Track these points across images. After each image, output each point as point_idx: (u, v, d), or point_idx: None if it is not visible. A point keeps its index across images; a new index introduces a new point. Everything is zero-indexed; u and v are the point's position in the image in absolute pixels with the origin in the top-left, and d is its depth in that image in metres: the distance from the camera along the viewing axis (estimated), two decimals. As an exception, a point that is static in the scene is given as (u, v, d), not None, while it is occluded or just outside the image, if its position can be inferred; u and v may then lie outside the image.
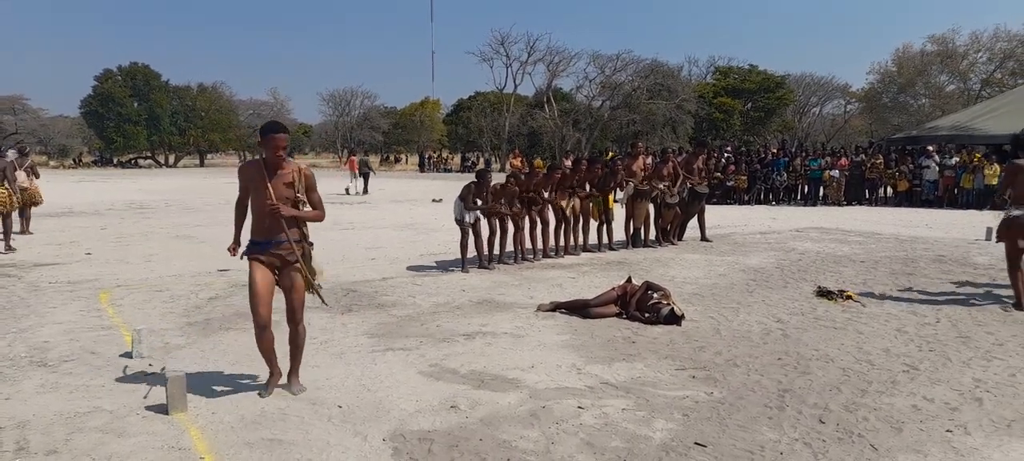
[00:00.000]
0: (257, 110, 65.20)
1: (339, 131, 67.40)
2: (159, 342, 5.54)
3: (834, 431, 3.81)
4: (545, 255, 9.96)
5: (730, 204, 20.51)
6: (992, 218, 13.88)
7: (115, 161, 58.28)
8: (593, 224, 10.78)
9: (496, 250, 9.35)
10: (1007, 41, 41.60)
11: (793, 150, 25.33)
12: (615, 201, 11.38)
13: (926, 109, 42.85)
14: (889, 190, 21.30)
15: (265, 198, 4.14)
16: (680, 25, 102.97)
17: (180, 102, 59.74)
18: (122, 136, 56.05)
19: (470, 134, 58.36)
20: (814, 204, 20.79)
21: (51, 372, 4.81)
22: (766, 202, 21.37)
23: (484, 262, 9.09)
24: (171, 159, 61.56)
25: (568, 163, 11.73)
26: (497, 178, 9.72)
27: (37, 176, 12.78)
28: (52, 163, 54.54)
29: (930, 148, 21.21)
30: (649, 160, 11.80)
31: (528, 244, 9.82)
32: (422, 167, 52.81)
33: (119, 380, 4.66)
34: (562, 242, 10.26)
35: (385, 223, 14.82)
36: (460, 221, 8.94)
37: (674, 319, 6.09)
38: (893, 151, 22.94)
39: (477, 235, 9.02)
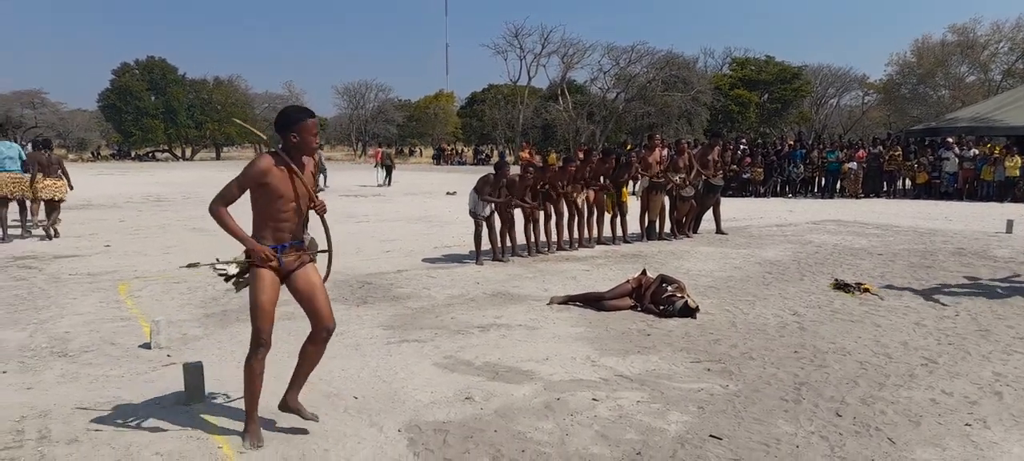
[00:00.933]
0: (272, 103, 65.60)
1: (354, 124, 67.65)
2: (177, 333, 5.59)
3: (851, 424, 3.78)
4: (559, 247, 9.95)
5: (746, 196, 20.38)
6: (1014, 211, 13.70)
7: (133, 154, 58.92)
8: (607, 217, 10.75)
9: (509, 242, 9.36)
10: (1030, 31, 40.94)
11: (810, 142, 25.12)
12: (630, 193, 11.34)
13: (946, 100, 42.31)
14: (908, 182, 21.07)
15: (295, 196, 3.55)
16: (696, 16, 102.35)
17: (196, 96, 60.27)
18: (140, 129, 56.64)
19: (484, 127, 58.40)
20: (831, 196, 20.61)
21: (71, 362, 4.88)
22: (782, 194, 21.21)
23: (498, 254, 9.09)
24: (188, 152, 62.12)
25: (581, 155, 11.67)
26: (513, 171, 9.70)
27: (62, 174, 11.83)
28: (71, 156, 55.14)
29: (950, 140, 20.94)
30: (665, 152, 11.74)
31: (542, 236, 9.82)
32: (438, 160, 52.91)
33: (138, 370, 4.71)
34: (576, 234, 10.24)
35: (400, 216, 14.86)
36: (474, 213, 8.95)
37: (689, 312, 6.06)
38: (912, 143, 22.69)
39: (491, 227, 9.03)
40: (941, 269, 8.39)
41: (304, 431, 3.71)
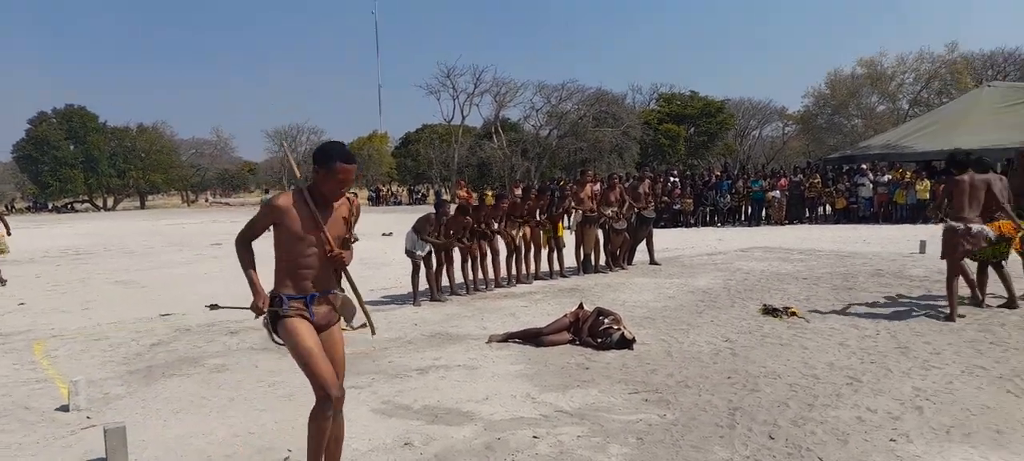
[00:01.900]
0: (199, 149, 64.01)
1: (285, 167, 66.44)
2: (98, 393, 5.32)
3: (784, 447, 3.88)
4: (497, 285, 9.96)
5: (677, 227, 20.89)
6: (925, 231, 14.47)
7: (50, 206, 56.24)
8: (543, 252, 10.84)
9: (447, 282, 9.32)
10: (931, 62, 43.77)
11: (736, 172, 26.02)
12: (565, 228, 11.48)
13: (859, 129, 44.54)
14: (828, 208, 22.03)
15: (316, 243, 3.24)
16: (623, 54, 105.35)
17: (118, 143, 58.13)
18: (58, 180, 54.15)
19: (419, 167, 58.25)
20: (757, 224, 21.33)
21: (-20, 430, 4.57)
22: (711, 224, 21.84)
23: (436, 294, 9.04)
24: (110, 202, 59.71)
25: (518, 192, 11.80)
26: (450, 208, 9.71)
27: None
28: (-18, 210, 52.25)
29: (864, 166, 22.07)
30: (597, 187, 11.96)
31: (480, 274, 9.81)
32: (375, 201, 52.42)
33: (55, 435, 4.45)
34: (514, 271, 10.28)
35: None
36: (411, 253, 8.89)
37: (626, 343, 6.14)
38: (830, 170, 23.79)
39: (428, 267, 8.98)
40: (862, 290, 8.76)
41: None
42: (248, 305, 3.37)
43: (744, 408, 4.53)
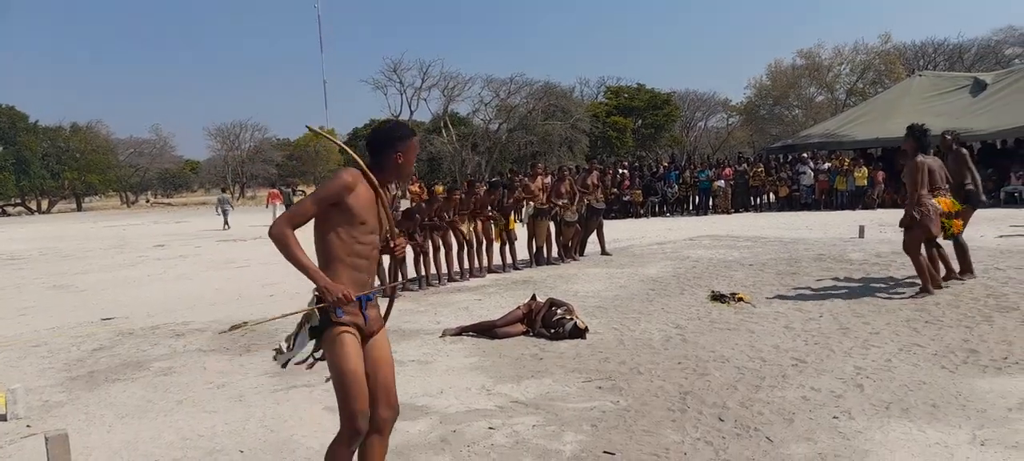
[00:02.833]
0: (138, 148, 61.96)
1: (229, 166, 64.95)
2: (37, 401, 5.13)
3: (732, 428, 3.99)
4: (450, 279, 9.95)
5: (627, 218, 21.17)
6: (864, 217, 14.98)
7: (-22, 211, 53.77)
8: (495, 245, 10.86)
9: (400, 277, 9.25)
10: (866, 54, 45.34)
11: (683, 163, 26.49)
12: (517, 221, 11.53)
13: (800, 119, 45.85)
14: (771, 196, 22.63)
15: (375, 231, 2.85)
16: (570, 47, 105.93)
17: (51, 144, 55.87)
18: (-14, 183, 51.78)
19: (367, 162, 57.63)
20: (705, 213, 21.77)
21: (-90, 445, 4.36)
22: (660, 214, 22.20)
23: (388, 291, 8.96)
24: (44, 205, 57.37)
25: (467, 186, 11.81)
26: (403, 204, 9.65)
27: None
28: (-97, 216, 49.69)
29: (805, 155, 22.74)
30: (548, 180, 12.05)
31: (433, 269, 9.78)
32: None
33: (-9, 446, 4.28)
34: (466, 265, 10.28)
35: (283, 258, 14.33)
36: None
37: (578, 333, 6.21)
38: (772, 159, 24.43)
39: (380, 263, 8.90)
40: (805, 274, 9.03)
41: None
42: (314, 314, 2.80)
43: (694, 392, 4.63)
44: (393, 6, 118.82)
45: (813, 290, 7.98)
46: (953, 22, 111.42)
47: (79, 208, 56.99)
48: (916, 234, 7.19)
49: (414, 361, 5.75)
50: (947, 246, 7.70)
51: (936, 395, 4.34)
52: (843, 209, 20.15)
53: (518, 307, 6.68)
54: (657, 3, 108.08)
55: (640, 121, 49.25)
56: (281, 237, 2.70)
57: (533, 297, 6.86)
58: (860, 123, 24.74)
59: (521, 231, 11.46)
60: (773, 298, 7.64)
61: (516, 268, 10.93)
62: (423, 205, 9.85)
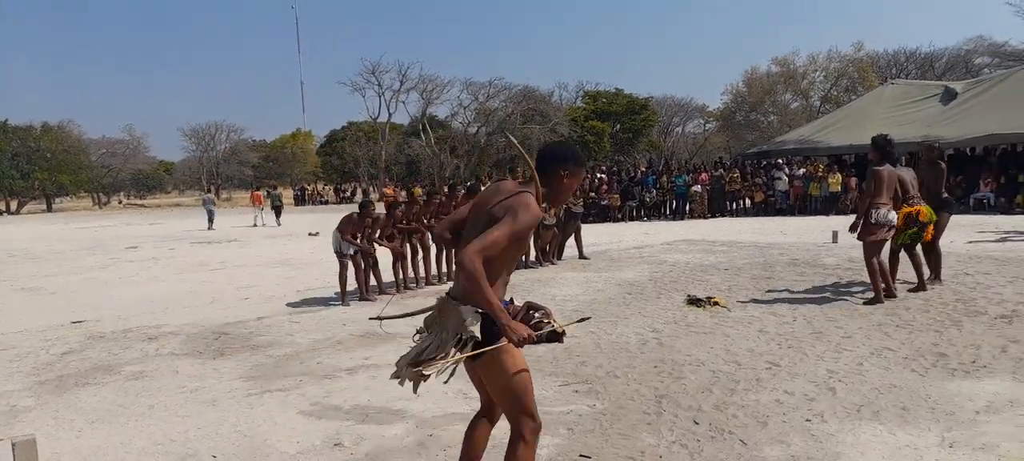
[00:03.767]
0: (111, 149, 61.03)
1: (204, 167, 64.22)
2: (4, 406, 5.03)
3: (707, 430, 4.02)
4: (428, 283, 9.92)
5: (605, 222, 21.26)
6: (837, 222, 15.20)
7: (-55, 211, 52.60)
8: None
9: (376, 281, 9.21)
10: (840, 61, 45.99)
11: (660, 168, 26.69)
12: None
13: (775, 125, 46.38)
14: (747, 201, 22.88)
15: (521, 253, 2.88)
16: (548, 52, 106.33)
17: (21, 143, 54.80)
18: (-47, 183, 50.68)
19: (345, 165, 57.34)
20: (681, 218, 21.95)
21: None
22: (638, 218, 22.33)
23: (365, 293, 8.92)
24: (13, 206, 56.26)
25: (445, 190, 11.81)
26: (378, 208, 9.59)
27: None
28: None
29: (780, 161, 23.05)
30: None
31: (410, 273, 9.74)
32: (300, 201, 51.23)
33: (-44, 452, 4.18)
34: (445, 269, 10.25)
35: (258, 260, 14.22)
36: (339, 252, 8.75)
37: (556, 337, 6.20)
38: (748, 165, 24.70)
39: (356, 267, 8.85)
40: (779, 279, 9.13)
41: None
42: (507, 336, 2.72)
43: (670, 395, 4.66)
44: (371, 8, 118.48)
45: (787, 294, 8.08)
46: (924, 32, 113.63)
47: (49, 209, 55.98)
48: (871, 242, 7.30)
49: (391, 365, 5.71)
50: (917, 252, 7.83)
51: (906, 398, 4.42)
52: (817, 215, 20.42)
53: (495, 311, 6.67)
54: (635, 10, 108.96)
55: (618, 126, 49.52)
56: (475, 274, 2.58)
57: (511, 300, 6.86)
58: (834, 130, 25.12)
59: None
60: (748, 302, 7.72)
61: (494, 272, 10.91)
62: (401, 206, 9.80)
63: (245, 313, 8.38)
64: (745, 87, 49.32)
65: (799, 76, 47.08)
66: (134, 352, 6.52)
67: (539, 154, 2.92)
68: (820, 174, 21.50)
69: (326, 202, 50.61)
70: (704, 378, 5.01)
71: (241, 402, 4.91)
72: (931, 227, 7.68)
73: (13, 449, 3.69)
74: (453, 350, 2.74)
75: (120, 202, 64.87)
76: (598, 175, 24.03)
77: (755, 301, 7.78)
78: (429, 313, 3.03)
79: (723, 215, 21.88)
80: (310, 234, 20.29)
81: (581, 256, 12.05)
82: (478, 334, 2.71)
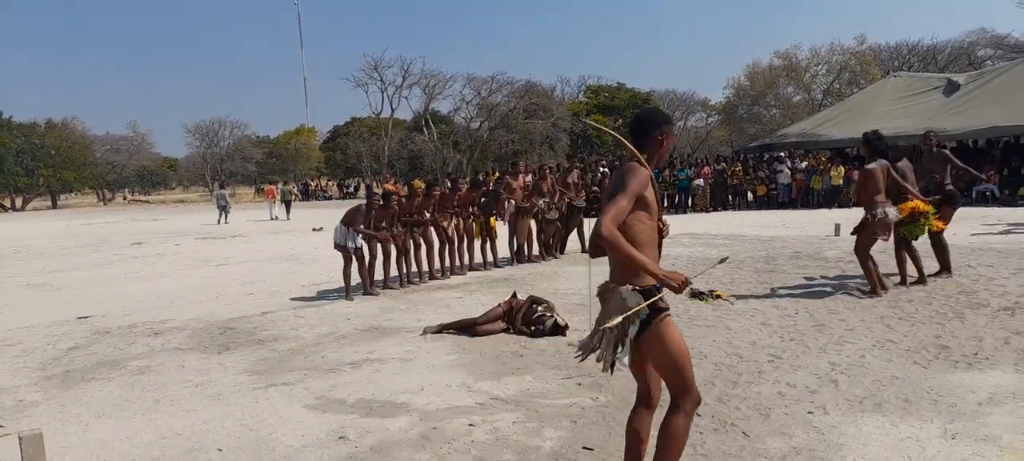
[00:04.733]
0: (115, 145, 61.14)
1: (208, 163, 64.26)
2: (11, 400, 5.07)
3: (710, 423, 4.04)
4: (431, 277, 9.94)
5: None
6: (840, 215, 15.19)
7: (-50, 208, 52.75)
8: (477, 243, 10.87)
9: (380, 275, 9.24)
10: (842, 54, 45.79)
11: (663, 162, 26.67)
12: (498, 219, 11.55)
13: (777, 119, 46.25)
14: (749, 195, 22.86)
15: (659, 218, 3.00)
16: (550, 46, 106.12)
17: (26, 140, 54.91)
18: (-42, 180, 50.81)
19: (348, 160, 57.37)
20: (683, 211, 21.95)
21: None
22: (641, 212, 22.33)
23: (369, 288, 8.95)
24: (18, 202, 56.40)
25: (448, 184, 11.84)
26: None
27: None
28: None
29: (782, 154, 23.00)
30: (529, 178, 12.09)
31: (413, 267, 9.77)
32: (305, 196, 51.28)
33: (-36, 446, 4.22)
34: (448, 263, 10.28)
35: (263, 256, 14.25)
36: (342, 247, 8.77)
37: (559, 330, 6.24)
38: (750, 159, 24.68)
39: (360, 261, 8.88)
40: (781, 272, 9.14)
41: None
42: (668, 286, 2.74)
43: (673, 388, 4.67)
44: (373, 4, 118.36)
45: (789, 287, 8.09)
46: (927, 24, 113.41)
47: (54, 205, 56.15)
48: (865, 238, 7.33)
49: (395, 358, 5.75)
50: (922, 245, 7.83)
51: (908, 390, 4.43)
52: (819, 208, 20.41)
53: (499, 305, 6.69)
54: (638, 4, 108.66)
55: (620, 120, 49.47)
56: (613, 237, 2.68)
57: (514, 295, 6.89)
58: (836, 123, 25.06)
59: (502, 229, 11.48)
60: (750, 295, 7.73)
61: (497, 266, 10.95)
62: (403, 199, 9.82)
63: (250, 308, 8.41)
64: (747, 81, 49.17)
65: (801, 69, 46.91)
66: (140, 347, 6.56)
67: (633, 126, 3.07)
68: (822, 167, 21.47)
69: (330, 197, 50.66)
70: (707, 371, 5.03)
71: (246, 396, 4.94)
72: (939, 220, 7.68)
73: (20, 443, 3.72)
74: (624, 327, 2.85)
75: (124, 198, 65.03)
76: (600, 169, 23.99)
77: (757, 294, 7.79)
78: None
79: (725, 209, 21.88)
80: (314, 229, 20.33)
81: (584, 250, 12.06)
82: (646, 308, 2.81)
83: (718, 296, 7.57)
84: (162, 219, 31.23)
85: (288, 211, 28.87)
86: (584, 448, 3.75)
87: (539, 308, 6.45)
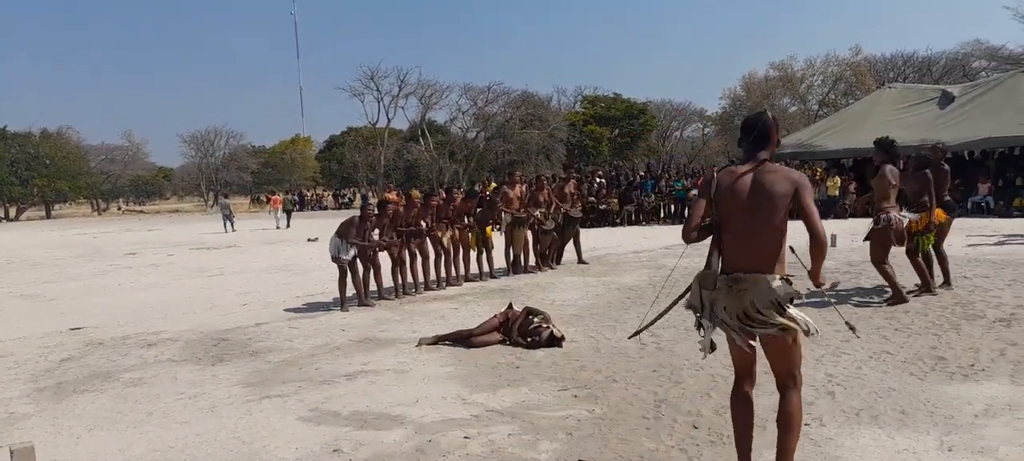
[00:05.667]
0: (110, 155, 61.04)
1: (203, 173, 64.18)
2: (2, 412, 5.03)
3: (706, 435, 4.02)
4: (427, 288, 9.91)
5: (604, 226, 21.25)
6: (836, 226, 15.21)
7: (-56, 218, 52.54)
8: (473, 254, 10.85)
9: (375, 286, 9.21)
10: (837, 65, 46.06)
11: (659, 172, 26.71)
12: (493, 230, 11.54)
13: (773, 129, 46.36)
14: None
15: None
16: (546, 57, 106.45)
17: (20, 150, 54.78)
18: (-47, 190, 50.64)
19: (344, 170, 57.36)
20: (681, 222, 21.93)
21: None
22: (637, 223, 22.33)
23: (364, 299, 8.91)
24: (12, 212, 56.23)
25: (443, 193, 11.83)
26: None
27: None
28: None
29: (779, 165, 23.01)
30: (525, 188, 12.09)
31: (409, 278, 9.74)
32: (300, 206, 51.18)
33: (-46, 460, 4.18)
34: (443, 273, 10.25)
35: (257, 266, 14.21)
36: (337, 258, 8.75)
37: (555, 341, 6.22)
38: (747, 169, 24.68)
39: (355, 272, 8.85)
40: (778, 283, 9.12)
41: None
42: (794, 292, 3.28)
43: (669, 400, 4.66)
44: (370, 15, 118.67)
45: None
46: (922, 36, 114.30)
47: (49, 215, 55.98)
48: (878, 245, 7.33)
49: (390, 370, 5.72)
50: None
51: (905, 402, 4.42)
52: (816, 218, 20.41)
53: (495, 316, 6.67)
54: (634, 15, 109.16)
55: (616, 130, 49.57)
56: (824, 236, 3.24)
57: (510, 306, 6.87)
58: (832, 134, 25.11)
59: (498, 239, 11.46)
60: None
61: (493, 276, 10.93)
62: (400, 209, 9.80)
63: (244, 319, 8.37)
64: (743, 91, 49.38)
65: (797, 80, 47.15)
66: (133, 358, 6.52)
67: (759, 131, 3.34)
68: (818, 178, 21.51)
69: (325, 207, 50.58)
70: (703, 382, 5.01)
71: (240, 408, 4.90)
72: (931, 233, 7.70)
73: (11, 457, 3.69)
74: (776, 314, 3.17)
75: (119, 208, 64.88)
76: (597, 179, 24.03)
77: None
78: (689, 294, 3.57)
79: (722, 219, 21.88)
80: (309, 239, 20.29)
81: (580, 260, 12.05)
82: (801, 293, 3.25)
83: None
84: (157, 229, 31.14)
85: (289, 220, 29.88)
86: (580, 460, 3.73)
87: (535, 319, 6.43)
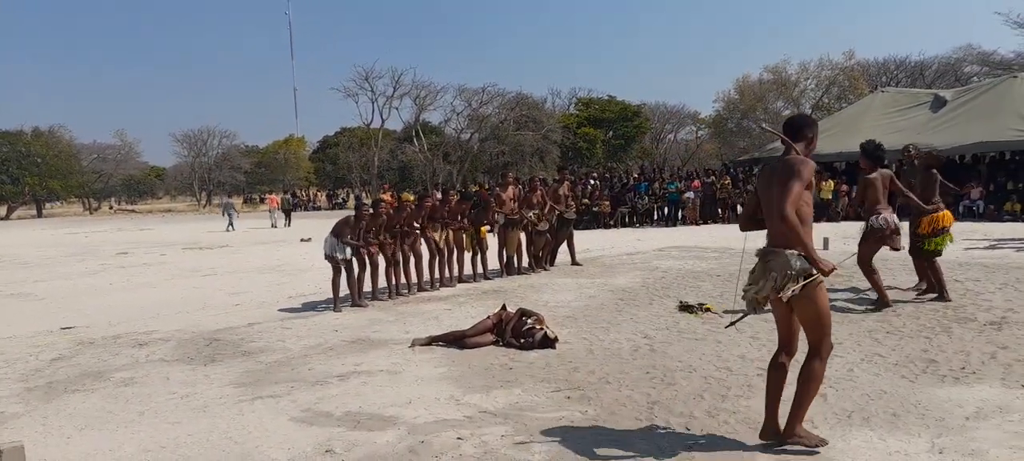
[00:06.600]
0: (102, 154, 60.71)
1: (196, 173, 63.96)
2: (-9, 412, 4.99)
3: (699, 435, 4.03)
4: (420, 288, 9.90)
5: (597, 228, 21.29)
6: (828, 229, 15.27)
7: (-66, 216, 52.15)
8: (466, 255, 10.84)
9: (369, 286, 9.19)
10: (831, 69, 46.25)
11: (652, 175, 26.78)
12: (487, 231, 11.53)
13: (767, 133, 46.56)
14: (739, 208, 22.93)
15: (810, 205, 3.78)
16: (541, 58, 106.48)
17: (11, 148, 54.45)
18: (-58, 188, 50.28)
19: (338, 171, 57.26)
20: (674, 224, 22.00)
21: None
22: (630, 225, 22.37)
23: (357, 299, 8.90)
24: (3, 211, 55.89)
25: (438, 195, 11.82)
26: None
27: None
28: None
29: (772, 168, 23.10)
30: (518, 189, 12.09)
31: (403, 278, 9.72)
32: (293, 206, 51.01)
33: (-57, 459, 4.15)
34: (437, 274, 10.24)
35: (250, 266, 14.16)
36: (331, 257, 8.73)
37: (548, 343, 6.22)
38: (740, 172, 24.79)
39: (349, 272, 8.83)
40: (771, 286, 9.14)
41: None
42: (819, 269, 3.57)
43: (662, 402, 4.67)
44: (365, 15, 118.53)
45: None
46: (914, 40, 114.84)
47: (40, 214, 55.63)
48: (866, 249, 7.36)
49: (383, 371, 5.71)
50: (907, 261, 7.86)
51: (896, 404, 4.44)
52: (808, 221, 20.48)
53: (488, 317, 6.67)
54: (628, 17, 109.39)
55: (610, 132, 49.66)
56: (791, 221, 3.50)
57: (503, 307, 6.87)
58: (824, 137, 25.14)
59: (492, 241, 11.46)
60: (740, 309, 7.72)
61: (487, 278, 10.92)
62: (392, 211, 9.78)
63: (236, 319, 8.34)
64: (737, 94, 49.52)
65: (791, 84, 47.31)
66: (124, 358, 6.49)
67: (789, 127, 3.87)
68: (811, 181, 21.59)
69: (319, 208, 50.46)
70: (696, 384, 5.02)
71: (232, 408, 4.88)
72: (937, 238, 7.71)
73: (1, 456, 3.66)
74: (787, 284, 3.58)
75: (111, 208, 64.56)
76: (590, 181, 24.07)
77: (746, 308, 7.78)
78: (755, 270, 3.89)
79: (715, 222, 21.94)
80: (302, 240, 20.24)
81: (574, 262, 12.05)
82: (810, 269, 3.56)
83: (707, 309, 7.57)
84: (149, 229, 31.02)
85: (288, 219, 30.71)
86: (573, 462, 3.73)
87: (529, 320, 6.43)
